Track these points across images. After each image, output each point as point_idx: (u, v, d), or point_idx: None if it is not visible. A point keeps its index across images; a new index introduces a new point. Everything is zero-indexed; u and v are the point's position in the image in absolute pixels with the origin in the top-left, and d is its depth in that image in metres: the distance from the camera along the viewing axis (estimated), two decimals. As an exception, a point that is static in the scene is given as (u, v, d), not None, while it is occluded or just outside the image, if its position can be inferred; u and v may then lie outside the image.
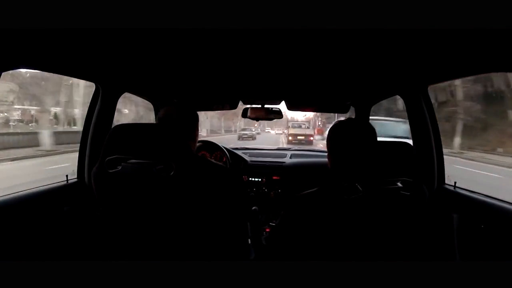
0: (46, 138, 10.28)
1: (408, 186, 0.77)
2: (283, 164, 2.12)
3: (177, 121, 0.95)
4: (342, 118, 1.04)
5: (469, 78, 8.88)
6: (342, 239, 0.81)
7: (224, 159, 2.08)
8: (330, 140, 0.98)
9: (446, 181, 1.26)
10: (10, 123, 11.25)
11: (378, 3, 0.58)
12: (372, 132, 0.92)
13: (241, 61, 1.12)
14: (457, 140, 10.69)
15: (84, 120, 1.31)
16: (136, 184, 0.82)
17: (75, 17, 0.62)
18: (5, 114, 11.14)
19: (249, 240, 1.19)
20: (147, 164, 0.78)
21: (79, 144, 1.30)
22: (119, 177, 0.81)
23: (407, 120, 1.31)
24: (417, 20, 0.61)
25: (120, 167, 0.79)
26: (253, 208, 1.42)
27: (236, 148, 2.39)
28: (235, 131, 29.12)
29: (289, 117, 21.13)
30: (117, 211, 0.86)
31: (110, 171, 0.80)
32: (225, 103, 1.98)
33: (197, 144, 2.13)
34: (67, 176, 1.23)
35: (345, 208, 0.78)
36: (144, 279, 0.67)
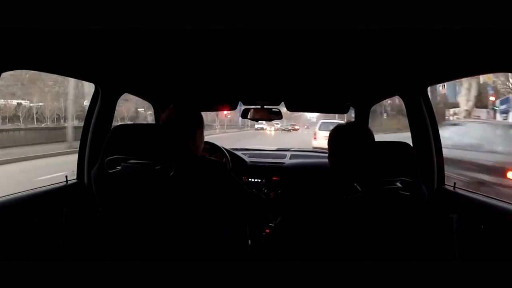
0: None
1: (407, 186, 0.77)
2: (283, 165, 2.12)
3: (177, 122, 0.95)
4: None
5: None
6: (342, 239, 0.82)
7: (224, 160, 2.07)
8: (331, 141, 0.98)
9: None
10: None
11: (377, 3, 0.58)
12: (370, 134, 0.95)
13: (240, 62, 1.13)
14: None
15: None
16: (135, 184, 0.82)
17: (75, 17, 0.62)
18: None
19: (249, 241, 1.18)
20: (147, 164, 0.78)
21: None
22: (119, 177, 0.81)
23: None
24: (416, 20, 0.61)
25: (120, 167, 0.79)
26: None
27: (236, 149, 2.38)
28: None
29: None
30: (117, 211, 0.87)
31: (110, 171, 0.80)
32: (225, 104, 1.99)
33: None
34: (66, 177, 1.23)
35: (344, 208, 0.78)
36: (144, 278, 0.67)
